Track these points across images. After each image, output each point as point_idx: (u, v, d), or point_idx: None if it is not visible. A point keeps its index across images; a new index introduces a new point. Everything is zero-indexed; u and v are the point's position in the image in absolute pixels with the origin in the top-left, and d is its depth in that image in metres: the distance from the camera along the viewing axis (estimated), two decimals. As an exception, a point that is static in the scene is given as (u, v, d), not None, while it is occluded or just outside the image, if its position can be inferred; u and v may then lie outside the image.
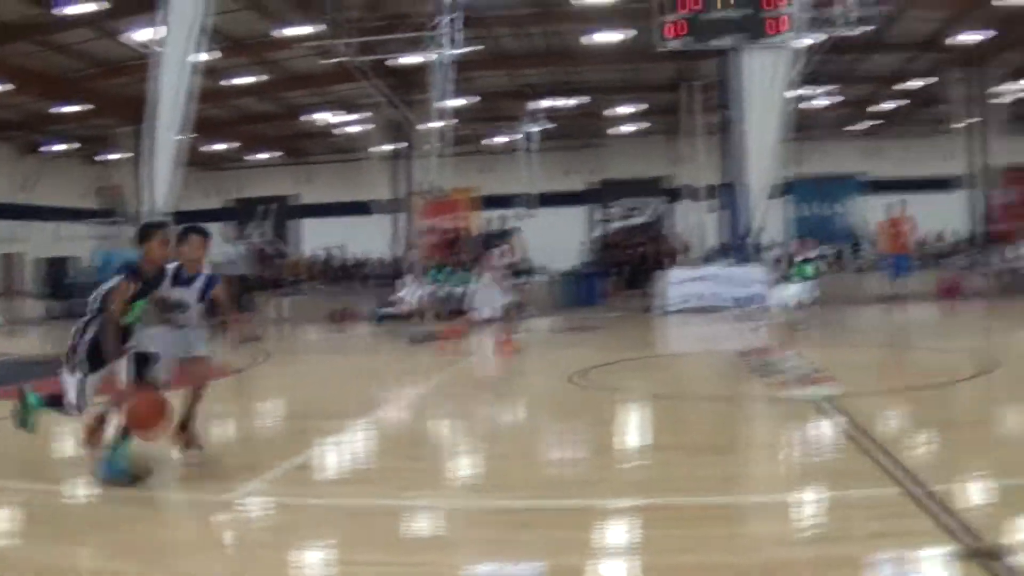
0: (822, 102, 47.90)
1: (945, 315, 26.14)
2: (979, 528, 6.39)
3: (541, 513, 7.42)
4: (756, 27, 27.45)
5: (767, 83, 27.89)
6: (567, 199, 50.23)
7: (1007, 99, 46.42)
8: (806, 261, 22.79)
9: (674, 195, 50.51)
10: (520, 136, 45.64)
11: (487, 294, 20.07)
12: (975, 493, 7.48)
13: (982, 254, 36.68)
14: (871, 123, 55.97)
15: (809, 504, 7.55)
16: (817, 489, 7.77)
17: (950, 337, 21.37)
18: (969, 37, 39.74)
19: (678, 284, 29.09)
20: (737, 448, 10.00)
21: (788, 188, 40.11)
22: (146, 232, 9.22)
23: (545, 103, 44.26)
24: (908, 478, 7.74)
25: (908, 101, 51.83)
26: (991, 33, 39.35)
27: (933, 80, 45.40)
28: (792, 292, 22.31)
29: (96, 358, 8.75)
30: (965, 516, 6.68)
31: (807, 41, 28.80)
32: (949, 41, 40.42)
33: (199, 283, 9.68)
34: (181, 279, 9.55)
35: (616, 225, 50.42)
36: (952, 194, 45.13)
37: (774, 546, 6.54)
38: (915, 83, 47.13)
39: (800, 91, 33.18)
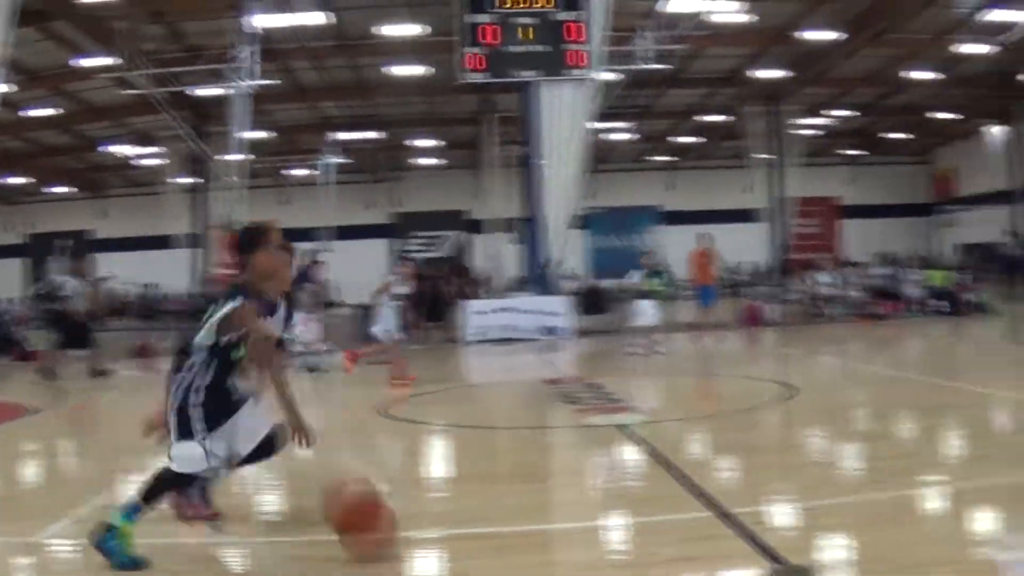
0: (622, 135, 48.71)
1: (746, 343, 26.61)
2: (785, 549, 6.45)
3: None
4: (556, 61, 27.69)
5: (567, 116, 28.14)
6: (367, 232, 50.10)
7: (804, 133, 47.75)
8: (655, 274, 23.08)
9: (475, 227, 50.79)
10: (319, 170, 45.47)
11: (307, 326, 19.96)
12: (780, 515, 7.61)
13: (781, 283, 37.54)
14: (671, 157, 57.15)
15: (618, 530, 7.54)
16: (625, 515, 7.77)
17: (751, 364, 21.77)
18: (768, 73, 40.76)
19: (479, 315, 29.08)
20: (544, 476, 9.95)
21: (587, 220, 40.56)
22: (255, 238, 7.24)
23: (344, 136, 44.17)
24: (713, 502, 7.80)
25: (707, 135, 53.09)
26: (788, 71, 40.45)
27: (732, 116, 46.50)
28: (648, 311, 22.61)
29: (216, 412, 6.87)
30: (771, 537, 6.76)
31: (607, 76, 29.16)
32: (748, 76, 41.43)
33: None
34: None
35: (417, 257, 50.42)
36: (751, 225, 46.08)
37: (585, 572, 6.51)
38: (715, 117, 48.20)
39: (600, 124, 33.60)
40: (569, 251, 31.08)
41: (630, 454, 10.53)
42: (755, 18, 33.97)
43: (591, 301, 32.49)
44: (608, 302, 32.30)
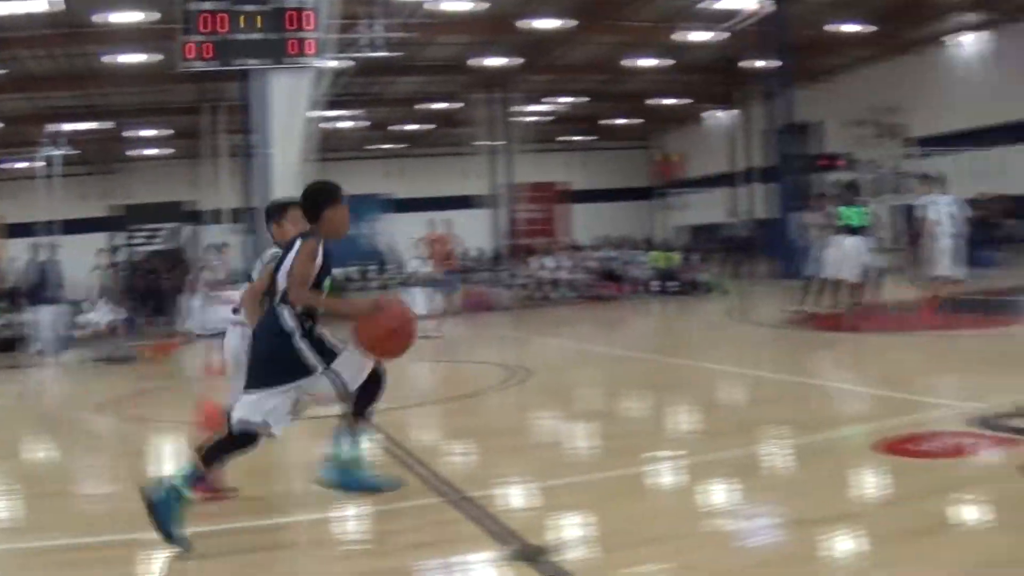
0: (351, 124, 48.51)
1: (475, 328, 26.77)
2: (522, 530, 6.54)
3: (84, 551, 6.99)
4: (281, 49, 27.28)
5: (291, 105, 27.77)
6: (90, 225, 48.61)
7: (530, 120, 48.35)
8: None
9: (199, 218, 49.86)
10: (41, 162, 43.95)
11: (205, 312, 19.44)
12: (516, 497, 7.72)
13: (507, 268, 37.92)
14: (398, 144, 57.19)
15: (351, 519, 7.47)
16: (357, 504, 7.66)
17: (480, 349, 21.92)
18: (494, 61, 41.11)
19: (203, 309, 28.56)
20: (275, 470, 9.77)
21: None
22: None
23: (67, 127, 42.73)
24: (447, 487, 7.88)
25: (435, 123, 53.28)
26: (515, 58, 40.87)
27: (460, 103, 46.80)
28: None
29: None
30: (508, 519, 6.85)
31: (332, 64, 28.95)
32: (474, 64, 41.70)
33: None
34: None
35: (140, 251, 49.21)
36: (478, 211, 46.45)
37: (319, 564, 6.48)
38: (443, 105, 48.41)
39: (328, 112, 33.37)
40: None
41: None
42: (484, 5, 34.21)
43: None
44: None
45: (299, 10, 26.81)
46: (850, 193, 20.87)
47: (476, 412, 12.38)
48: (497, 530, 6.62)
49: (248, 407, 6.81)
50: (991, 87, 41.01)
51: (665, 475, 8.19)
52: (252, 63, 27.10)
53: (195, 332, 19.78)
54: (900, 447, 8.20)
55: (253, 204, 29.57)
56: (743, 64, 45.39)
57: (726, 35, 39.09)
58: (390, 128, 53.96)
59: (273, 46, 27.23)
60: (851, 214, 19.42)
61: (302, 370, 6.87)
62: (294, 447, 10.74)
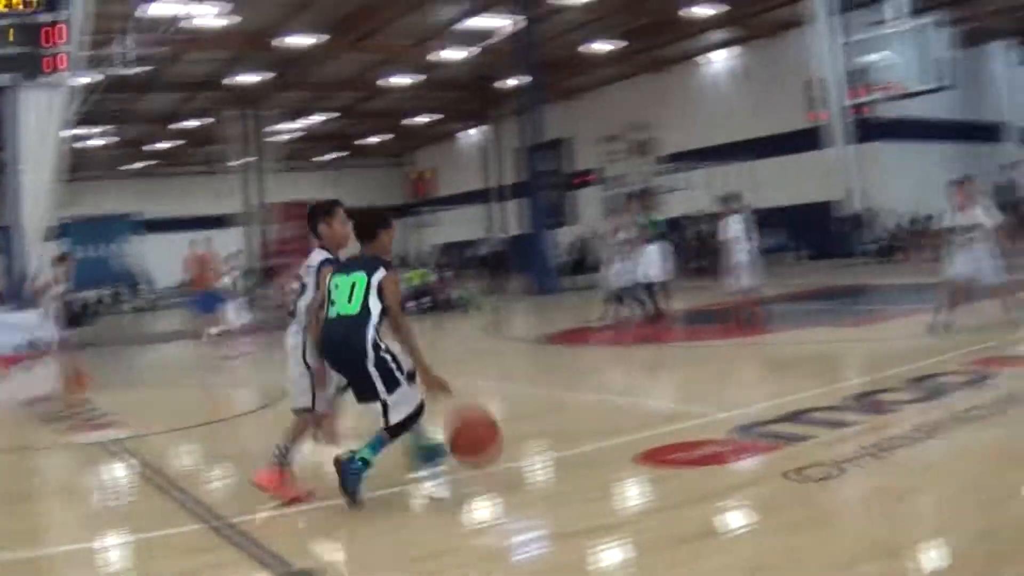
0: (98, 141, 47.57)
1: (234, 350, 26.46)
2: (286, 554, 6.64)
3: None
4: (33, 65, 26.66)
5: (43, 122, 27.13)
6: None
7: (283, 138, 48.12)
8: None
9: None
10: None
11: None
12: (277, 521, 7.72)
13: (263, 288, 37.66)
14: (149, 163, 56.32)
15: (114, 549, 7.43)
16: (119, 533, 7.67)
17: (238, 372, 21.69)
18: (247, 78, 40.82)
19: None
20: (32, 499, 9.64)
21: (64, 230, 39.46)
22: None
23: None
24: (209, 513, 7.89)
25: (187, 140, 52.60)
26: (268, 75, 40.66)
27: (211, 120, 46.32)
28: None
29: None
30: (270, 544, 6.91)
31: (83, 80, 28.41)
32: (227, 82, 41.35)
33: None
34: None
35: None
36: (231, 230, 46.07)
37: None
38: (193, 122, 47.86)
39: (78, 130, 32.70)
40: (46, 263, 30.07)
41: (120, 471, 10.39)
42: (236, 20, 33.96)
43: (74, 313, 31.53)
44: (88, 316, 31.46)
45: (53, 24, 26.20)
46: (649, 202, 21.81)
47: (235, 436, 12.33)
48: (261, 555, 6.68)
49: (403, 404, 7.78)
50: (740, 104, 42.72)
51: (422, 495, 8.24)
52: (3, 79, 26.40)
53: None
54: (663, 457, 8.53)
55: (4, 224, 28.75)
56: (497, 82, 46.05)
57: (479, 53, 39.65)
58: (143, 147, 53.14)
59: (25, 61, 26.57)
60: (656, 222, 20.48)
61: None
62: (46, 478, 10.65)
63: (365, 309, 7.73)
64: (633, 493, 7.86)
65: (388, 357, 7.76)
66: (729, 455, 8.53)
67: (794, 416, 9.74)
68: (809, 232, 36.96)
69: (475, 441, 7.92)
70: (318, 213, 8.47)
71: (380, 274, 7.82)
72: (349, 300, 7.76)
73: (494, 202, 55.43)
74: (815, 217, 37.21)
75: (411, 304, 32.73)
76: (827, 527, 6.60)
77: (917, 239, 36.19)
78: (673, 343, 19.05)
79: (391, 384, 7.72)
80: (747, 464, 8.30)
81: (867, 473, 7.56)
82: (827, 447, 8.40)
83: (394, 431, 7.79)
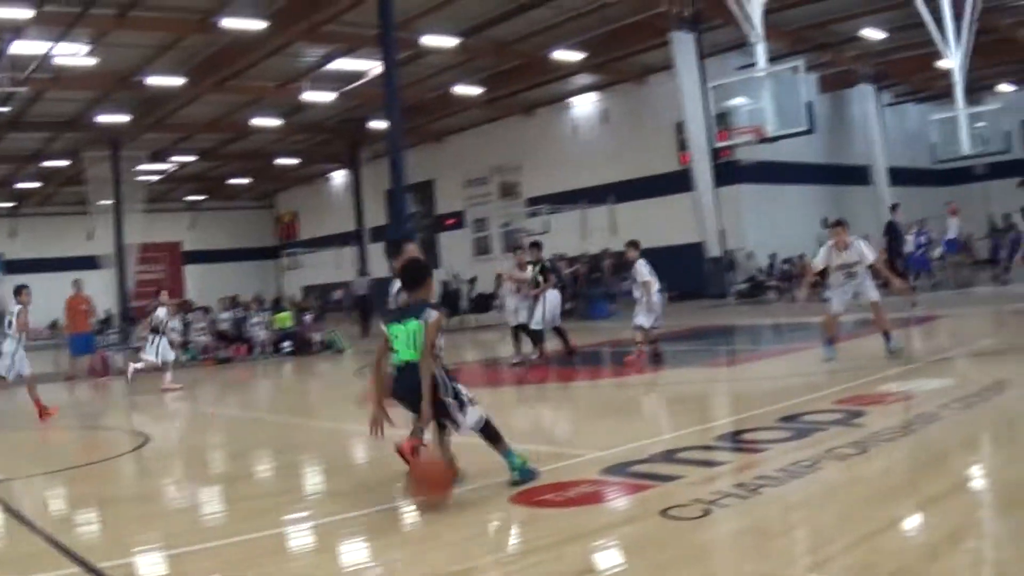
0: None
1: (97, 393, 26.04)
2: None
3: None
4: None
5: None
6: None
7: (150, 179, 47.62)
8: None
9: None
10: None
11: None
12: (146, 566, 7.62)
13: (127, 330, 37.19)
14: (13, 203, 55.49)
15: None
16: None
17: (102, 415, 21.36)
18: (111, 118, 40.37)
19: None
20: None
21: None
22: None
23: None
24: (80, 558, 7.66)
25: (49, 181, 51.89)
26: (132, 115, 40.26)
27: (75, 161, 45.74)
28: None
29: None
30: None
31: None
32: (91, 121, 40.88)
33: None
34: None
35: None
36: (95, 272, 45.38)
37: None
38: (57, 163, 47.20)
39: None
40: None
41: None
42: (98, 60, 33.56)
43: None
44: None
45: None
46: (537, 249, 22.05)
47: (101, 479, 12.11)
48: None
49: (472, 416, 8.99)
50: (606, 146, 43.14)
51: (301, 537, 8.24)
52: None
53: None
54: (537, 498, 8.55)
55: None
56: (364, 125, 46.12)
57: (347, 95, 39.67)
58: (3, 186, 52.34)
59: None
60: (546, 268, 21.46)
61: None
62: None
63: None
64: (508, 534, 7.91)
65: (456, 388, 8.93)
66: (603, 495, 8.59)
67: (666, 455, 9.85)
68: (681, 273, 37.46)
69: (431, 478, 8.57)
70: (391, 250, 10.03)
71: (429, 315, 8.76)
72: (410, 347, 8.71)
73: (362, 244, 55.29)
74: (687, 258, 37.57)
75: (278, 345, 32.60)
76: (700, 565, 6.66)
77: (789, 278, 36.92)
78: (550, 383, 19.18)
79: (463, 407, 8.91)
80: (621, 503, 8.35)
81: (739, 511, 7.64)
82: (699, 486, 8.45)
83: (487, 434, 9.10)
